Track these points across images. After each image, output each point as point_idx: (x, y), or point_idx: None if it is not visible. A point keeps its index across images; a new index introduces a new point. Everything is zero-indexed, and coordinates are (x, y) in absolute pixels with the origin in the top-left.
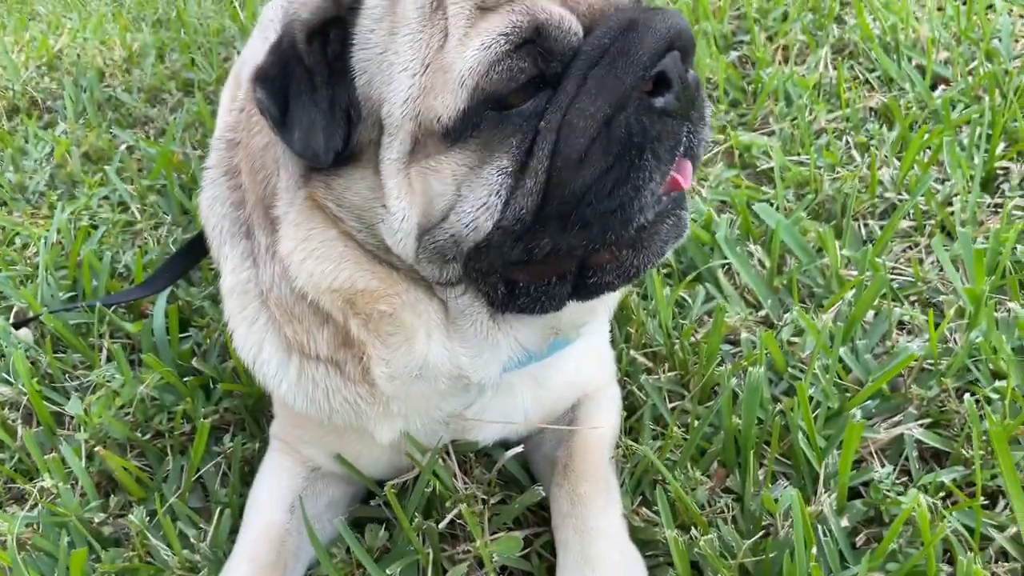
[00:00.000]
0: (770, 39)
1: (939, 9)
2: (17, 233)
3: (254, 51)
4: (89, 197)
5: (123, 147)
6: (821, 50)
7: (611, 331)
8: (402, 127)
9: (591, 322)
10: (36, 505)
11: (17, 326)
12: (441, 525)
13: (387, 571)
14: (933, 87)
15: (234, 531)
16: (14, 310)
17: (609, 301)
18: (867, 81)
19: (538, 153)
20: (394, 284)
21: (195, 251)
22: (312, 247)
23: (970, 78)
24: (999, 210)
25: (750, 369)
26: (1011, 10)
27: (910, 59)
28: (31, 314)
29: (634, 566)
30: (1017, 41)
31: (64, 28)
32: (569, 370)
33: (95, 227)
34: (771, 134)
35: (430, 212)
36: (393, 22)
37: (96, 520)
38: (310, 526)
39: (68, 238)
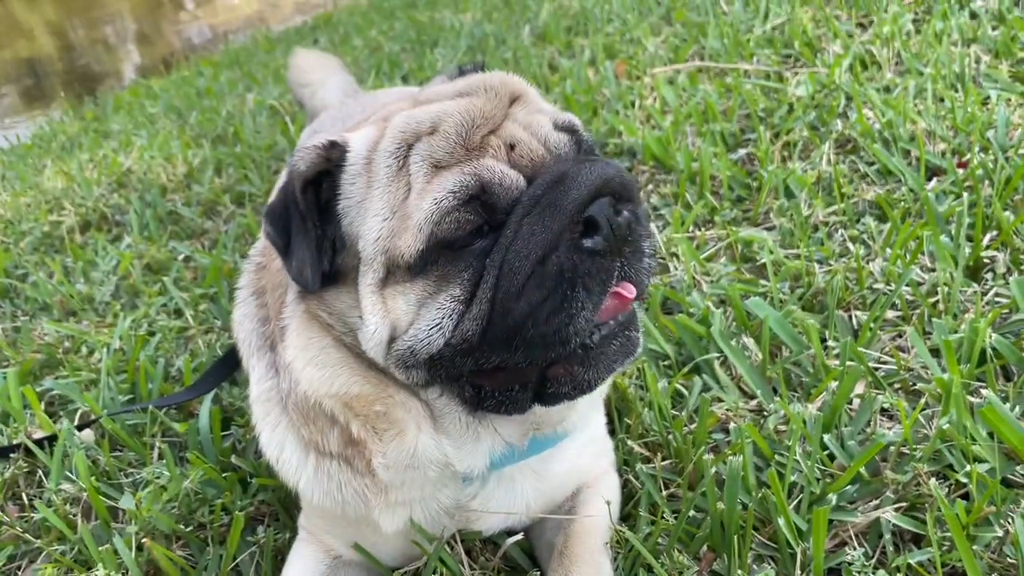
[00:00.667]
0: (776, 136)
1: (939, 100)
2: (84, 342)
3: None
4: (148, 306)
5: (180, 258)
6: (824, 145)
7: (611, 422)
8: (375, 260)
9: (571, 418)
10: None
11: (80, 428)
12: None
13: None
14: (930, 178)
15: None
16: (79, 413)
17: (590, 398)
18: (865, 175)
19: (484, 285)
20: (385, 387)
21: (236, 358)
22: (312, 355)
23: (959, 171)
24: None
25: (730, 458)
26: (1009, 99)
27: (907, 152)
28: (92, 417)
29: None
30: (1016, 129)
31: (134, 146)
32: (568, 461)
33: (152, 334)
34: (771, 229)
35: (396, 327)
36: (369, 178)
37: None
38: None
39: (128, 344)
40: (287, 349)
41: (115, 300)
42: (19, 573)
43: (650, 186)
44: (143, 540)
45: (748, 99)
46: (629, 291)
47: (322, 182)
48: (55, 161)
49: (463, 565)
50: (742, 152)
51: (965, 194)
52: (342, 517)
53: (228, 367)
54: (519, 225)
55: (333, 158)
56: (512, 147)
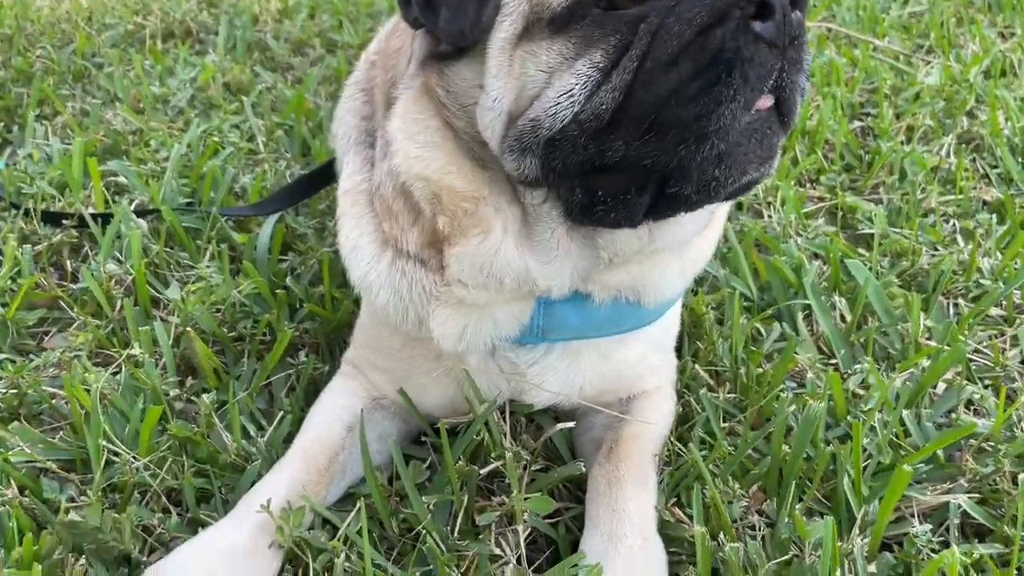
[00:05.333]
0: (897, 116)
1: None
2: (153, 137)
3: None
4: (223, 120)
5: (262, 86)
6: (946, 137)
7: (681, 345)
8: (517, 8)
9: (654, 278)
10: (120, 372)
11: (138, 214)
12: (483, 471)
13: (423, 499)
14: None
15: (289, 438)
16: (136, 203)
17: (683, 270)
18: (986, 175)
19: (631, 53)
20: (479, 185)
21: (312, 184)
22: (416, 130)
23: None
24: None
25: (810, 403)
26: None
27: None
28: (151, 207)
29: (655, 554)
30: None
31: None
32: (635, 353)
33: (222, 146)
34: (879, 203)
35: (521, 96)
36: None
37: (171, 394)
38: (365, 446)
39: (196, 153)
40: (391, 120)
41: (190, 108)
42: (46, 338)
43: None
44: (183, 331)
45: (876, 73)
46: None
47: None
48: None
49: (505, 436)
50: (857, 124)
51: None
52: (397, 350)
53: (300, 191)
54: None
55: None
56: None
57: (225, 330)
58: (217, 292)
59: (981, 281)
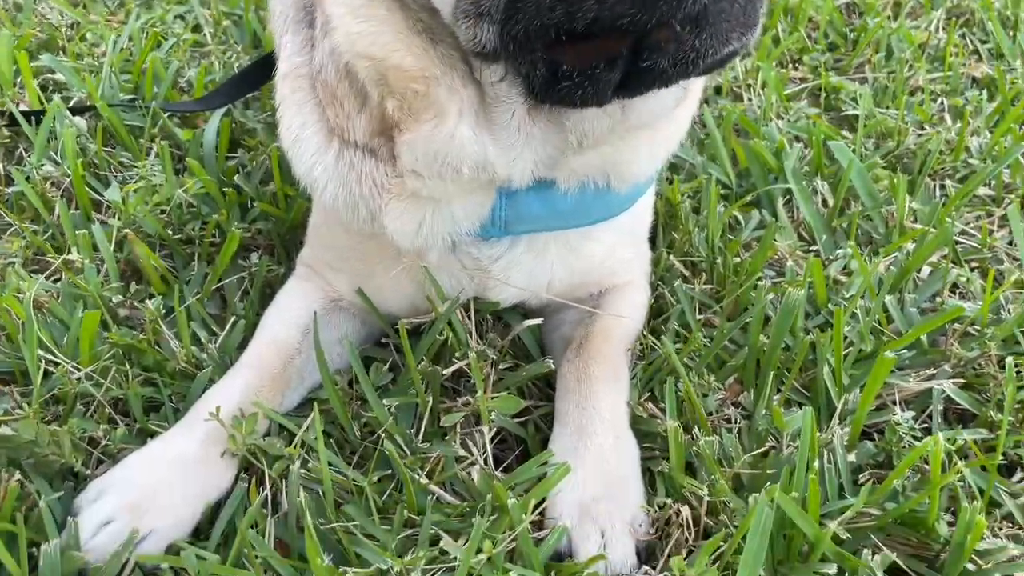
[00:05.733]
0: None
1: None
2: (89, 31)
3: None
4: (165, 11)
5: None
6: (935, 12)
7: (654, 235)
8: None
9: (626, 157)
10: (59, 278)
11: (74, 112)
12: (447, 371)
13: (384, 402)
14: None
15: (243, 344)
16: (73, 100)
17: (654, 153)
18: (976, 51)
19: None
20: (429, 64)
21: (260, 74)
22: (358, 4)
23: None
24: None
25: (789, 290)
26: None
27: None
28: (88, 103)
29: (628, 451)
30: None
31: None
32: (605, 245)
33: (165, 38)
34: (864, 82)
35: None
36: None
37: (114, 300)
38: (320, 348)
39: (138, 46)
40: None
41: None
42: None
43: None
44: (125, 235)
45: None
46: None
47: None
48: None
49: (470, 336)
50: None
51: None
52: (351, 232)
53: (247, 84)
54: None
55: None
56: None
57: (171, 232)
58: (161, 192)
59: (969, 160)
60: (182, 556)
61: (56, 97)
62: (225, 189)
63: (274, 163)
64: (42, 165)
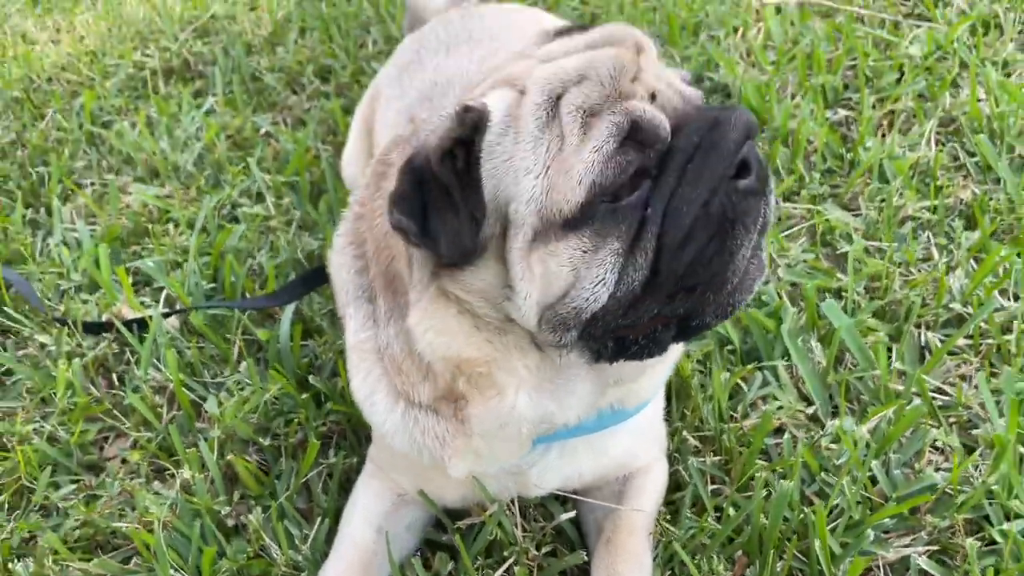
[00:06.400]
0: (881, 101)
1: None
2: (169, 215)
3: (389, 80)
4: (232, 187)
5: (262, 132)
6: (928, 123)
7: (668, 406)
8: (527, 221)
9: (643, 383)
10: (170, 481)
11: (166, 315)
12: (497, 574)
13: None
14: None
15: (330, 536)
16: (163, 293)
17: (667, 359)
18: (965, 166)
19: (646, 235)
20: (491, 352)
21: (317, 279)
22: (433, 323)
23: None
24: None
25: (781, 482)
26: None
27: (1012, 148)
28: (179, 306)
29: None
30: None
31: None
32: (625, 441)
33: (236, 219)
34: (858, 212)
35: (547, 290)
36: (516, 133)
37: (223, 512)
38: (390, 552)
39: (212, 224)
40: (411, 315)
41: (199, 171)
42: (106, 444)
43: None
44: (225, 443)
45: (858, 51)
46: None
47: (455, 152)
48: None
49: (517, 528)
50: (842, 113)
51: None
52: (416, 462)
53: (312, 282)
54: (681, 171)
55: (469, 123)
56: (653, 96)
57: (261, 437)
58: (251, 401)
59: (951, 304)
60: None
61: (152, 304)
62: (303, 395)
63: (339, 363)
64: (148, 371)
